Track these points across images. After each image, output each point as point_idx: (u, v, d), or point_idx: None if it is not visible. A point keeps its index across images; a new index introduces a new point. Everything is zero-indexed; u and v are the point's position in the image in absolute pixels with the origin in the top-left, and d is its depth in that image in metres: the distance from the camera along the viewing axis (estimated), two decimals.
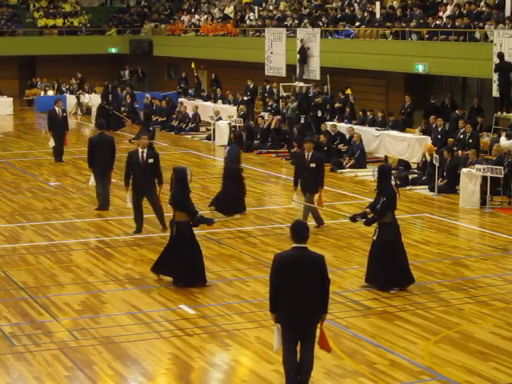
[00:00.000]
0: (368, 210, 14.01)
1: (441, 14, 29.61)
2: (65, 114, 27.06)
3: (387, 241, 13.56)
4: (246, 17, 41.40)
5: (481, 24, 27.60)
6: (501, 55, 25.13)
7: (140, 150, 17.27)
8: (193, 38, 43.90)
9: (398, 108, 29.69)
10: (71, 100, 41.18)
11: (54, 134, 26.27)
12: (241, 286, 14.09)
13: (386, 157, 25.60)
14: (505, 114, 25.56)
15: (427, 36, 29.24)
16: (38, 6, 51.05)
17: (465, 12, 28.70)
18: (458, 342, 11.56)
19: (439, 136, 25.46)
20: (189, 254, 13.83)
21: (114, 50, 48.86)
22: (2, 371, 10.53)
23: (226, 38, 40.98)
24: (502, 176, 19.96)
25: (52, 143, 26.42)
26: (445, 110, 28.46)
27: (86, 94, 41.71)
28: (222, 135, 30.62)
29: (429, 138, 25.72)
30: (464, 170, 20.79)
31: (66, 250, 16.38)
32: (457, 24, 28.14)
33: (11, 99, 41.93)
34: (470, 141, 23.96)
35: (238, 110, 33.55)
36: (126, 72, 47.28)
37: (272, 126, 29.85)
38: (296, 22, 36.73)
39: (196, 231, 14.37)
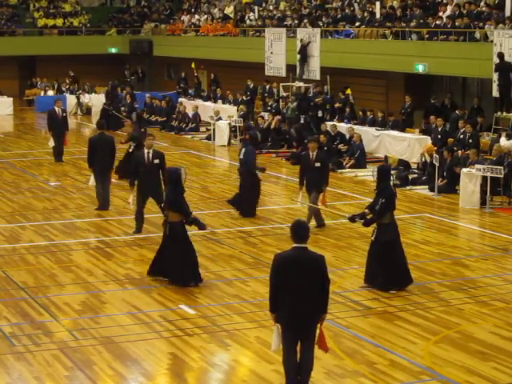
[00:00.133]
0: (367, 210, 14.01)
1: (441, 13, 29.61)
2: (64, 114, 27.07)
3: (386, 241, 13.56)
4: (246, 17, 41.40)
5: (481, 24, 27.60)
6: (501, 55, 25.13)
7: (146, 151, 17.22)
8: (193, 38, 43.90)
9: (398, 108, 29.68)
10: (71, 100, 41.19)
11: (54, 134, 26.28)
12: (241, 286, 14.08)
13: (385, 157, 25.60)
14: (505, 114, 25.56)
15: (427, 36, 29.24)
16: (38, 6, 51.06)
17: (465, 12, 28.70)
18: (458, 341, 11.56)
19: (439, 136, 25.46)
20: (182, 253, 13.85)
21: (114, 50, 48.87)
22: (2, 371, 10.53)
23: (226, 38, 40.99)
24: (502, 176, 19.96)
25: (52, 143, 26.43)
26: (445, 110, 28.46)
27: (86, 94, 41.70)
28: (222, 135, 30.64)
29: (429, 137, 25.72)
30: (464, 169, 20.79)
31: (66, 250, 16.38)
32: (457, 24, 28.14)
33: (11, 99, 41.93)
34: (470, 141, 23.95)
35: (237, 110, 33.55)
36: (129, 72, 47.31)
37: (272, 126, 29.86)
38: (296, 22, 36.73)
39: (196, 231, 14.37)
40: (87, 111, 40.66)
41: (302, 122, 30.09)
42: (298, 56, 34.15)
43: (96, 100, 39.79)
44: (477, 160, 21.00)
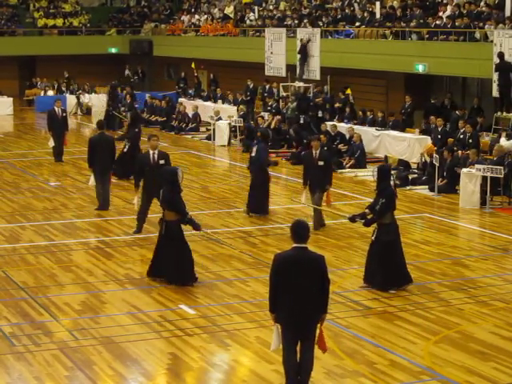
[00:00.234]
0: (367, 210, 14.01)
1: (441, 13, 29.61)
2: (64, 114, 27.06)
3: (386, 241, 13.55)
4: (246, 17, 41.40)
5: (481, 24, 27.60)
6: (501, 55, 25.13)
7: (151, 152, 17.18)
8: (193, 38, 43.90)
9: (398, 108, 29.68)
10: (71, 100, 41.19)
11: (54, 134, 26.28)
12: (241, 286, 14.08)
13: (385, 157, 25.61)
14: (505, 114, 25.55)
15: (427, 36, 29.23)
16: (38, 6, 51.04)
17: (465, 12, 28.70)
18: (458, 341, 11.56)
19: (439, 136, 25.46)
20: (178, 252, 13.86)
21: (113, 50, 48.86)
22: (2, 371, 10.53)
23: (226, 38, 40.99)
24: (502, 176, 19.96)
25: (52, 143, 26.42)
26: (445, 110, 28.46)
27: (86, 94, 41.70)
28: (222, 135, 30.64)
29: (429, 138, 25.72)
30: (464, 169, 20.79)
31: (66, 250, 16.38)
32: (457, 24, 28.14)
33: (11, 99, 41.93)
34: (470, 141, 23.95)
35: (237, 110, 33.55)
36: (131, 72, 47.29)
37: (272, 126, 29.86)
38: (296, 22, 36.73)
39: (195, 231, 14.37)
40: (87, 111, 40.63)
41: (301, 122, 30.09)
42: (298, 56, 34.14)
43: (96, 100, 39.78)
44: (477, 160, 21.01)
